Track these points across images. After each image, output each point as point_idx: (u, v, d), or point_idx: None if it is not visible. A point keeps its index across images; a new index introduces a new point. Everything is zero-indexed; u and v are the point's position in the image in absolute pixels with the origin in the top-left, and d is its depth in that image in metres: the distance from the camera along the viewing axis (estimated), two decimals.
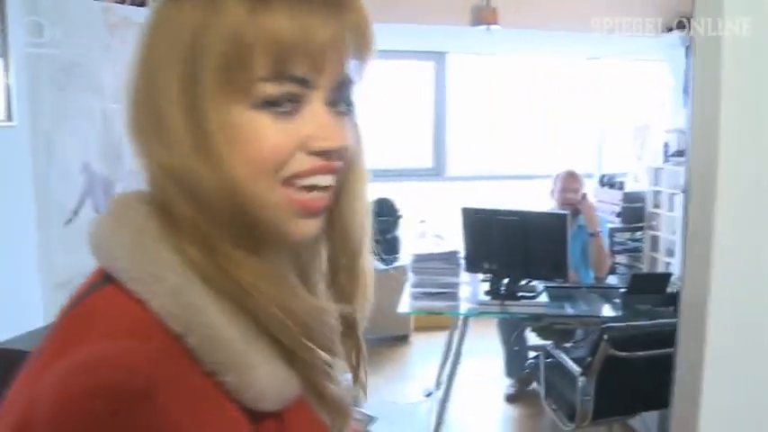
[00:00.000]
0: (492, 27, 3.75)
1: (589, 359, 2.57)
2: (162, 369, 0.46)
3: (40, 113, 2.07)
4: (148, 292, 0.49)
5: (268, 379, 0.52)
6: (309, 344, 0.55)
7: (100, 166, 2.34)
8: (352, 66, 0.54)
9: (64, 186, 2.21)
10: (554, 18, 3.85)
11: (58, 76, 2.13)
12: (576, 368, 2.60)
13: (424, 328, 4.66)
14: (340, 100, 0.55)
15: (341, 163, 0.56)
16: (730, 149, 1.42)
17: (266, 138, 0.51)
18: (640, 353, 2.41)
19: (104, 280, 0.52)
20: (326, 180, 0.55)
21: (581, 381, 2.53)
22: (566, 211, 3.18)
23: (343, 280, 0.64)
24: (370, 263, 0.65)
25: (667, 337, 2.55)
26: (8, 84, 1.92)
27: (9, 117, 1.94)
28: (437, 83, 5.07)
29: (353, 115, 0.58)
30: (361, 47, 0.55)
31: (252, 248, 0.53)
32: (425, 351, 4.44)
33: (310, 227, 0.56)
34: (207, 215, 0.52)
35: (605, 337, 2.43)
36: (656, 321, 2.61)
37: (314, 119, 0.53)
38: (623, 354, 2.42)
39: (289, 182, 0.53)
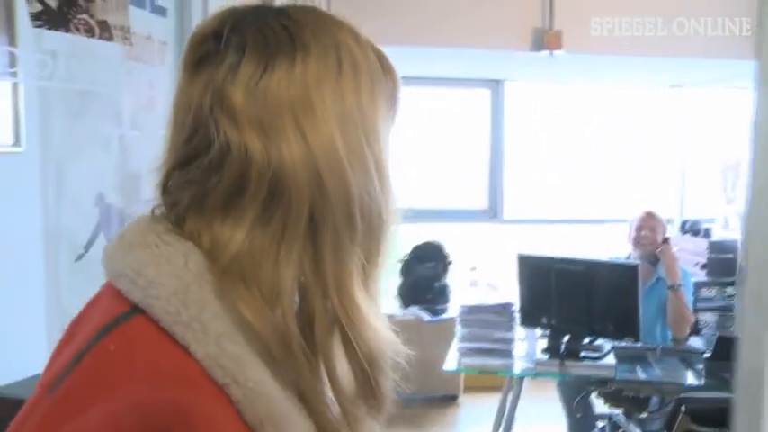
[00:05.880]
0: (555, 53, 3.70)
1: None
2: (218, 421, 0.53)
3: (50, 139, 2.10)
4: (194, 339, 0.55)
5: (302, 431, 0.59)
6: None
7: (115, 198, 2.35)
8: None
9: (75, 219, 2.23)
10: (625, 42, 3.77)
11: (73, 100, 2.17)
12: None
13: (474, 387, 4.56)
14: None
15: None
16: None
17: None
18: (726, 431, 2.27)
19: (133, 310, 0.57)
20: None
21: None
22: (637, 262, 3.08)
23: None
24: None
25: None
26: (17, 106, 1.95)
27: (17, 142, 1.97)
28: (494, 113, 5.04)
29: None
30: None
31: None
32: (476, 414, 4.33)
33: None
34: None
35: (683, 408, 2.31)
36: None
37: None
38: (705, 430, 2.30)
39: None
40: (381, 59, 0.67)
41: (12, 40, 1.88)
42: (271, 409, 0.56)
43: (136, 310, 0.57)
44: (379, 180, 0.63)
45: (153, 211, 0.65)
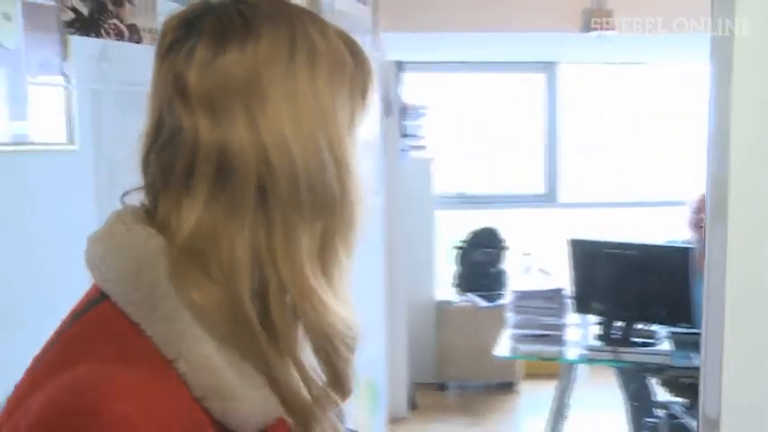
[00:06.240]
0: (605, 33, 3.63)
1: None
2: (147, 395, 0.55)
3: (102, 136, 2.20)
4: (145, 318, 0.60)
5: (252, 405, 0.62)
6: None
7: None
8: None
9: None
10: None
11: (122, 98, 2.26)
12: None
13: (533, 375, 4.53)
14: None
15: None
16: None
17: None
18: None
19: (102, 296, 0.63)
20: None
21: None
22: (690, 245, 3.00)
23: None
24: None
25: None
26: (69, 106, 2.05)
27: (71, 140, 2.07)
28: (548, 97, 4.98)
29: None
30: None
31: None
32: (534, 402, 4.29)
33: None
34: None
35: None
36: None
37: None
38: None
39: None
40: (355, 52, 0.69)
41: (64, 46, 1.98)
42: (216, 382, 0.59)
43: (104, 296, 0.62)
44: (335, 164, 0.65)
45: (122, 200, 0.71)
